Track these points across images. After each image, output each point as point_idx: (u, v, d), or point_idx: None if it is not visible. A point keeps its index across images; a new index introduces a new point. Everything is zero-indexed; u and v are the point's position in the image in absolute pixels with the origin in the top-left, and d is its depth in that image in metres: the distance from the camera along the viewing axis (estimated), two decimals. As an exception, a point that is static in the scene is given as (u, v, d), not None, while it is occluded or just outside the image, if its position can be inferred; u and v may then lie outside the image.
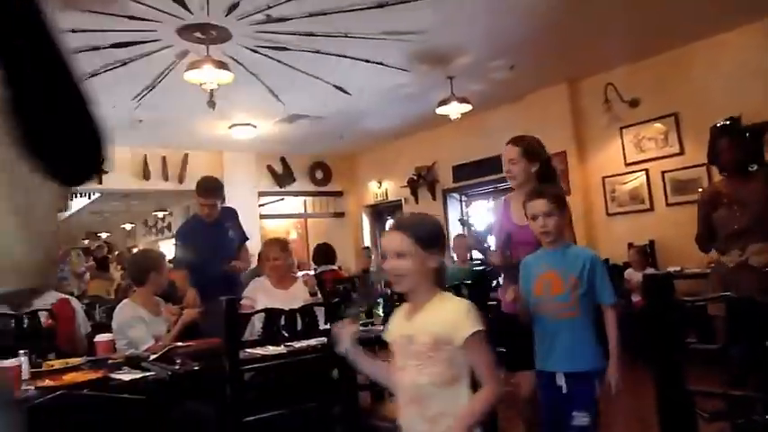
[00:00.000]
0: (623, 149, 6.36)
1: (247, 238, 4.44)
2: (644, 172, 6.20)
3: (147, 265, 3.38)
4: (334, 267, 6.02)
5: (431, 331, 1.61)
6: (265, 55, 5.13)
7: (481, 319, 1.59)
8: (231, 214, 4.33)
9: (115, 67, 5.14)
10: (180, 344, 2.96)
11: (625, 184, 6.39)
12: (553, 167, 2.92)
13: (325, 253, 5.94)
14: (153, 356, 2.79)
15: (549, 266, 2.36)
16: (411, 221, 1.77)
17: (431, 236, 1.69)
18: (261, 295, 3.58)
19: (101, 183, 7.97)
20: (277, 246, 3.76)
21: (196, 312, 3.37)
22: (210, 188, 4.08)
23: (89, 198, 12.49)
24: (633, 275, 5.67)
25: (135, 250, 14.84)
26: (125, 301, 3.38)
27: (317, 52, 5.13)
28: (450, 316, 1.61)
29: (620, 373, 2.22)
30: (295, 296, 3.59)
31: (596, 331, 2.29)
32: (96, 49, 4.72)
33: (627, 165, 6.35)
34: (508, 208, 2.91)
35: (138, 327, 3.16)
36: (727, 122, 3.25)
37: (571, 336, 2.27)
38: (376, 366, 1.83)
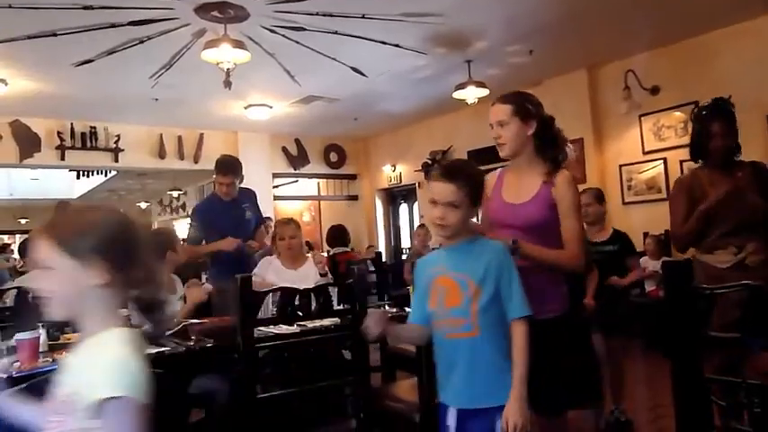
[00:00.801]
0: (642, 138, 6.28)
1: (264, 220, 4.51)
2: (662, 161, 6.12)
3: (162, 243, 3.39)
4: (347, 249, 6.03)
5: (68, 383, 1.12)
6: (283, 35, 5.10)
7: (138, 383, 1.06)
8: (249, 195, 4.36)
9: (132, 45, 5.14)
10: (195, 321, 2.99)
11: (642, 172, 6.31)
12: (557, 129, 2.22)
13: (339, 235, 5.96)
14: (168, 332, 2.82)
15: (445, 269, 1.81)
16: (61, 219, 1.24)
17: (87, 239, 1.13)
18: (271, 275, 3.60)
19: (117, 161, 8.04)
20: (293, 225, 3.79)
21: (205, 294, 3.38)
22: (229, 166, 4.11)
23: (105, 176, 12.61)
24: (648, 264, 5.64)
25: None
26: None
27: (335, 33, 5.10)
28: (94, 367, 1.08)
29: (523, 413, 1.67)
30: (306, 276, 3.60)
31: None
32: (114, 26, 4.72)
33: (645, 153, 6.28)
34: (501, 182, 2.30)
35: None
36: (719, 103, 2.81)
37: (469, 362, 1.75)
38: (29, 412, 1.26)
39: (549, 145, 2.17)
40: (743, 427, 1.31)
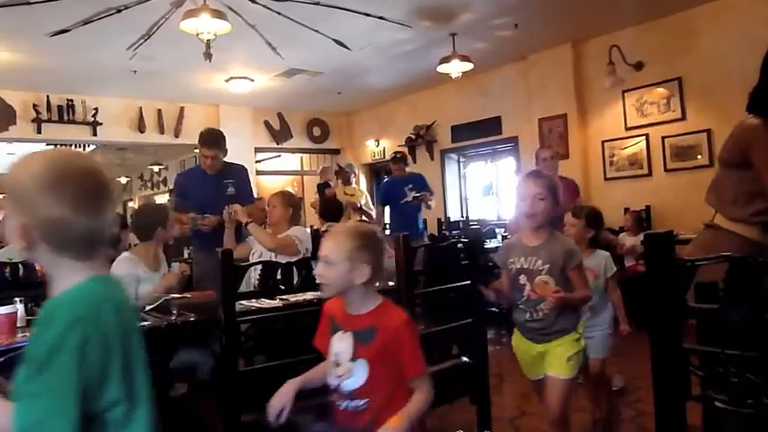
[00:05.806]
0: (624, 113, 6.30)
1: (253, 200, 4.39)
2: (644, 137, 6.15)
3: (156, 219, 3.29)
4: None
5: None
6: (264, 6, 4.99)
7: None
8: (239, 172, 4.25)
9: (109, 15, 5.00)
10: (176, 295, 2.96)
11: (624, 148, 6.35)
12: None
13: (334, 210, 5.65)
14: (149, 307, 2.80)
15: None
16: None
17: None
18: (256, 245, 3.67)
19: (95, 135, 7.90)
20: (275, 198, 3.78)
21: (176, 278, 3.27)
22: (212, 139, 4.07)
23: (84, 150, 12.37)
24: (627, 240, 5.69)
25: (130, 204, 14.80)
26: (125, 254, 3.30)
27: (317, 4, 5.00)
28: None
29: None
30: None
31: None
32: (90, -6, 4.59)
33: (627, 129, 6.30)
34: None
35: (127, 288, 3.12)
36: None
37: None
38: None
39: None
40: (720, 396, 1.33)
